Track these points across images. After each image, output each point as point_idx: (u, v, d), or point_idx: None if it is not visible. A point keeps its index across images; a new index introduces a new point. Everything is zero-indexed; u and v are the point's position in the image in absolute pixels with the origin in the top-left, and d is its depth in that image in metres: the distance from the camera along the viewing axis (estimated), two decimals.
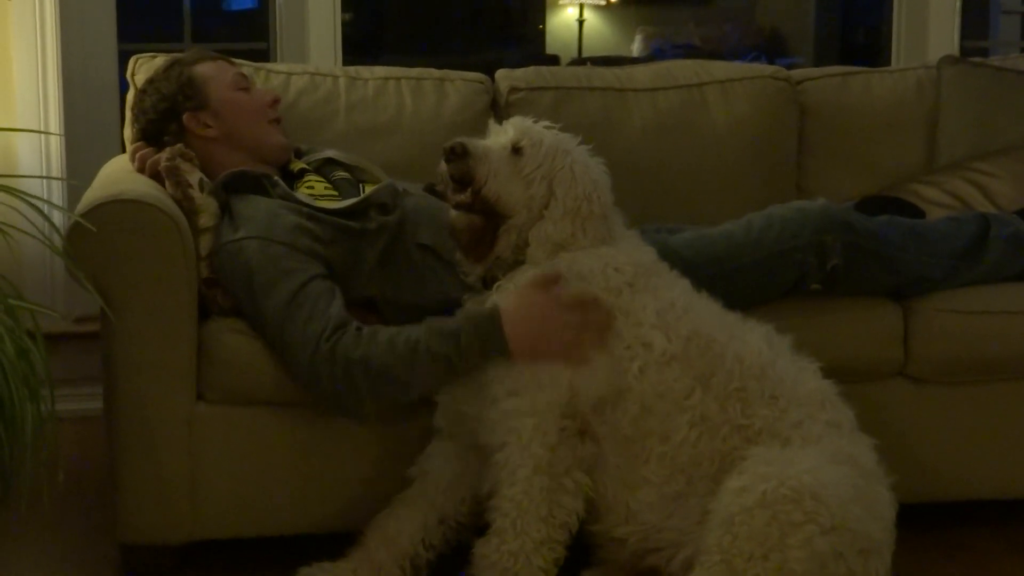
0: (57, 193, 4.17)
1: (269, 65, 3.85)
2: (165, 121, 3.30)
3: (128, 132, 3.48)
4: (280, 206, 3.08)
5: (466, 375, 2.81)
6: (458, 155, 2.74)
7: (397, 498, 2.97)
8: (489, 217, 2.78)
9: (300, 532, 3.12)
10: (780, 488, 2.55)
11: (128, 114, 3.50)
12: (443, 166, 2.77)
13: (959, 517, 3.42)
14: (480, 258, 2.82)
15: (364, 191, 3.26)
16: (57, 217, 3.53)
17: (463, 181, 2.76)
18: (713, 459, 2.71)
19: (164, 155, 3.17)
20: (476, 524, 2.90)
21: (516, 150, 2.78)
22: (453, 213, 2.80)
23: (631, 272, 2.78)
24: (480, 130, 3.72)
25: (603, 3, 10.42)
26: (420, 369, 2.82)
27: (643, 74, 4.01)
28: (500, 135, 2.82)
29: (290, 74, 3.78)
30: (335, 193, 3.27)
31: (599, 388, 2.71)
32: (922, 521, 3.18)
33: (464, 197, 2.77)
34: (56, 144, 4.18)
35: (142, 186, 3.07)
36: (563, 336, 2.73)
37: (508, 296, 2.78)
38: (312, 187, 3.28)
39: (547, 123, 2.85)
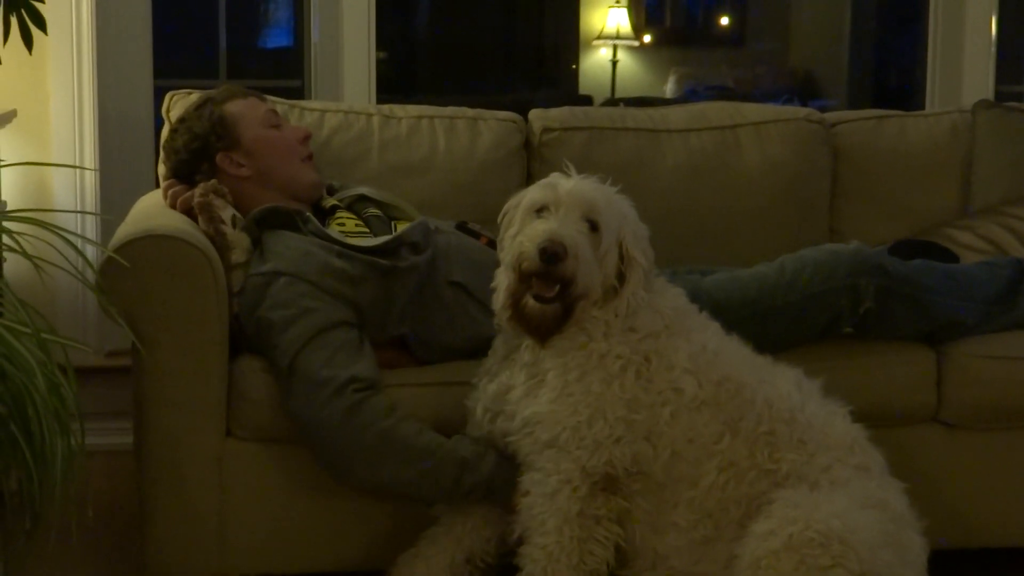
0: (91, 228, 4.19)
1: (303, 103, 3.86)
2: (197, 160, 3.31)
3: (162, 169, 3.49)
4: (311, 244, 3.08)
5: (465, 499, 2.86)
6: (560, 259, 2.62)
7: (424, 536, 2.96)
8: (567, 301, 2.70)
9: (328, 569, 3.11)
10: (807, 531, 2.53)
11: (161, 151, 3.51)
12: (535, 263, 2.63)
13: (993, 565, 3.38)
14: (546, 338, 2.74)
15: (396, 229, 3.26)
16: (90, 252, 3.55)
17: (559, 280, 2.66)
18: (740, 503, 2.69)
19: (197, 191, 3.19)
20: (503, 563, 2.89)
21: (593, 226, 2.69)
22: (532, 304, 2.69)
23: (670, 316, 2.77)
24: (512, 168, 3.77)
25: (636, 44, 10.42)
26: (432, 464, 2.85)
27: (677, 115, 4.01)
28: (572, 207, 2.68)
29: (324, 112, 3.80)
30: (366, 230, 3.27)
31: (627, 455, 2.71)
32: (955, 568, 3.14)
33: (552, 293, 2.67)
34: (91, 179, 4.20)
35: (175, 222, 3.08)
36: None
37: None
38: (343, 224, 3.28)
39: (598, 176, 2.76)
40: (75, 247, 2.65)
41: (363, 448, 2.85)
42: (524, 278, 2.68)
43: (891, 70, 9.76)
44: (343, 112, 3.82)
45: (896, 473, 2.78)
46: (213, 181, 3.23)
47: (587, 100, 9.37)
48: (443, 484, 2.86)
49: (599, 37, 10.26)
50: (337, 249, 3.08)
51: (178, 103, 3.64)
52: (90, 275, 2.91)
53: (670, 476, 2.70)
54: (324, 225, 3.21)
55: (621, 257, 2.72)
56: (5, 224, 2.73)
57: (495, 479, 2.84)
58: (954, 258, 3.61)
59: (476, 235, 3.35)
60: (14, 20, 3.46)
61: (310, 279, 3.00)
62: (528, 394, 2.73)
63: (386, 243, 3.14)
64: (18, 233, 2.61)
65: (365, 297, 3.05)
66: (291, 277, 3.01)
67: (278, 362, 2.95)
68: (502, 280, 2.75)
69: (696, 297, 2.91)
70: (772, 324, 3.11)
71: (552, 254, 2.62)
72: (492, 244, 3.24)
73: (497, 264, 2.82)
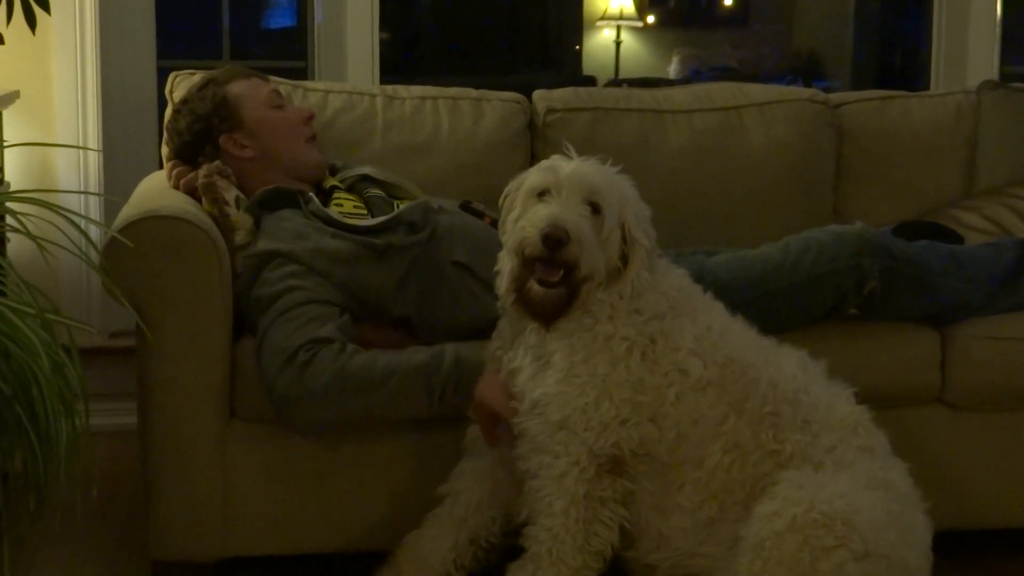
0: (95, 208, 4.19)
1: (307, 83, 3.86)
2: (200, 142, 3.32)
3: (165, 150, 3.49)
4: (306, 225, 3.09)
5: (443, 402, 2.88)
6: (563, 244, 2.61)
7: (428, 517, 2.96)
8: (571, 285, 2.68)
9: (332, 550, 3.11)
10: (810, 512, 2.53)
11: (164, 132, 3.51)
12: (538, 249, 2.62)
13: (997, 545, 3.38)
14: (551, 322, 2.73)
15: (398, 208, 3.26)
16: (94, 232, 3.55)
17: (563, 265, 2.65)
18: (745, 485, 2.69)
19: (201, 172, 3.19)
20: (507, 544, 2.90)
21: (595, 208, 2.67)
22: (536, 288, 2.67)
23: (675, 297, 2.76)
24: (516, 149, 3.76)
25: (640, 25, 10.40)
26: (396, 381, 2.86)
27: (681, 96, 4.00)
28: (573, 190, 2.66)
29: (328, 92, 3.79)
30: (364, 212, 3.27)
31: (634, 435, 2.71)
32: (959, 549, 3.15)
33: (556, 277, 2.65)
34: (94, 160, 4.20)
35: (179, 203, 3.08)
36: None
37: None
38: (341, 205, 3.28)
39: (598, 157, 2.74)
40: (79, 228, 2.64)
41: (325, 393, 2.85)
42: (527, 263, 2.67)
43: (895, 50, 9.74)
44: (347, 93, 3.81)
45: (900, 454, 2.78)
46: (217, 162, 3.24)
47: (591, 81, 9.35)
48: (415, 394, 2.88)
49: (602, 18, 10.25)
50: (331, 230, 3.08)
51: (181, 84, 3.63)
52: (94, 256, 2.91)
53: (675, 457, 2.70)
54: (325, 206, 3.21)
55: (624, 239, 2.71)
56: (9, 205, 2.73)
57: (462, 368, 2.87)
58: (959, 239, 3.60)
59: (480, 215, 3.35)
60: (17, 0, 3.46)
61: (301, 260, 3.01)
62: (535, 376, 2.73)
63: (383, 223, 3.14)
64: (22, 214, 2.61)
65: (359, 278, 3.05)
66: (283, 258, 3.02)
67: (256, 336, 2.96)
68: (505, 264, 2.74)
69: (701, 278, 2.90)
70: (777, 305, 3.11)
71: (555, 240, 2.61)
72: (496, 224, 3.24)
73: (501, 244, 2.81)
